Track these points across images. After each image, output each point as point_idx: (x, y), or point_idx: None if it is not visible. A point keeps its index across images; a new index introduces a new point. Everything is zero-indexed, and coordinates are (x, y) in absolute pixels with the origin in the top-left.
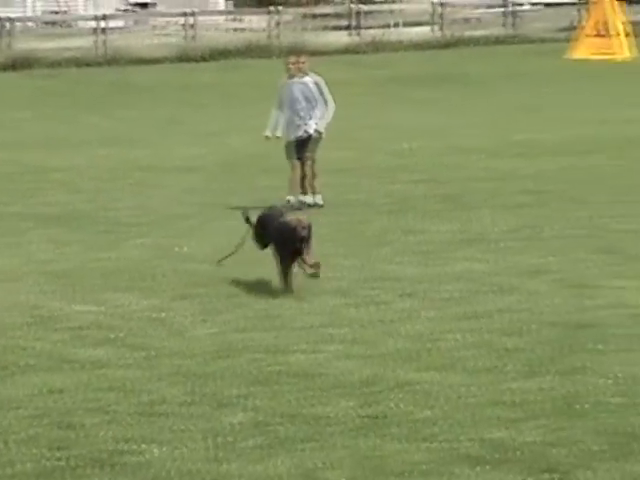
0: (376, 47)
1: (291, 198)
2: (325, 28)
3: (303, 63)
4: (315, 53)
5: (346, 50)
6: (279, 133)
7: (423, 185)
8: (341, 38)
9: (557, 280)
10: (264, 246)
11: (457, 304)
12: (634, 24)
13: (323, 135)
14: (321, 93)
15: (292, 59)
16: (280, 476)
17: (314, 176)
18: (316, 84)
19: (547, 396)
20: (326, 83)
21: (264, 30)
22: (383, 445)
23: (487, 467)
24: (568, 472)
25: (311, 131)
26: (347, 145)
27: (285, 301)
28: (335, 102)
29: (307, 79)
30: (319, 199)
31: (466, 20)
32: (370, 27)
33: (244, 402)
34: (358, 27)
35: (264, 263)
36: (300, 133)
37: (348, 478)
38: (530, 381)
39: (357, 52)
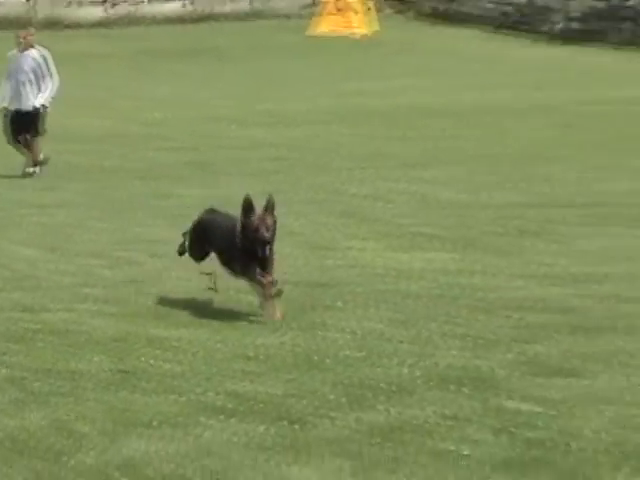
0: (130, 21)
1: (30, 170)
2: (81, 3)
3: (31, 36)
4: (72, 26)
5: (102, 24)
6: (5, 103)
7: (175, 152)
8: (97, 12)
9: (300, 242)
10: (202, 257)
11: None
12: (374, 1)
13: (48, 109)
14: (47, 67)
15: (22, 33)
16: (34, 428)
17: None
18: (43, 57)
19: (289, 351)
20: (52, 57)
21: (22, 3)
22: (133, 398)
23: (232, 418)
24: (307, 421)
25: (37, 104)
26: (103, 114)
27: (41, 263)
28: (59, 76)
29: (33, 52)
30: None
31: None
32: (124, 1)
33: None
34: (113, 2)
35: (20, 225)
36: (22, 105)
37: (99, 429)
38: (273, 337)
39: (112, 26)
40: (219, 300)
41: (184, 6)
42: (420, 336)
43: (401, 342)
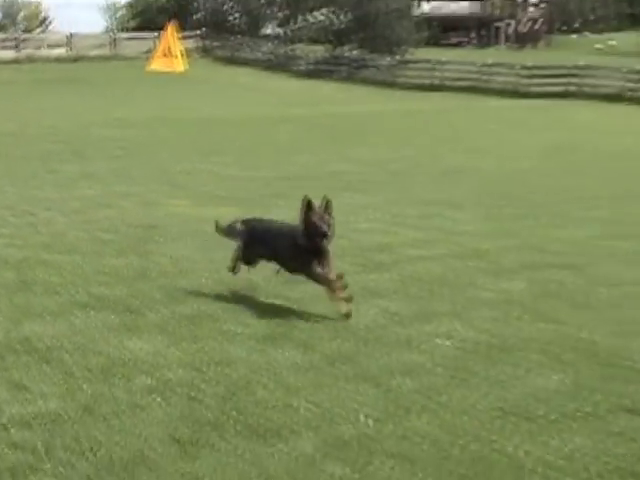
0: (32, 60)
1: None
2: (2, 48)
3: None
4: None
5: (13, 61)
6: None
7: (60, 144)
8: (10, 54)
9: (138, 200)
10: (251, 261)
11: (79, 214)
12: (187, 50)
13: None
14: None
15: None
16: None
17: None
18: None
19: (130, 268)
20: None
21: None
22: (30, 298)
23: (92, 310)
24: (141, 312)
25: None
26: (12, 119)
27: None
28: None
29: None
30: None
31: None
32: (28, 48)
33: None
34: (20, 47)
35: None
36: None
37: (6, 317)
38: (120, 259)
39: (20, 63)
40: (85, 237)
41: (67, 51)
42: (213, 260)
43: (200, 262)
